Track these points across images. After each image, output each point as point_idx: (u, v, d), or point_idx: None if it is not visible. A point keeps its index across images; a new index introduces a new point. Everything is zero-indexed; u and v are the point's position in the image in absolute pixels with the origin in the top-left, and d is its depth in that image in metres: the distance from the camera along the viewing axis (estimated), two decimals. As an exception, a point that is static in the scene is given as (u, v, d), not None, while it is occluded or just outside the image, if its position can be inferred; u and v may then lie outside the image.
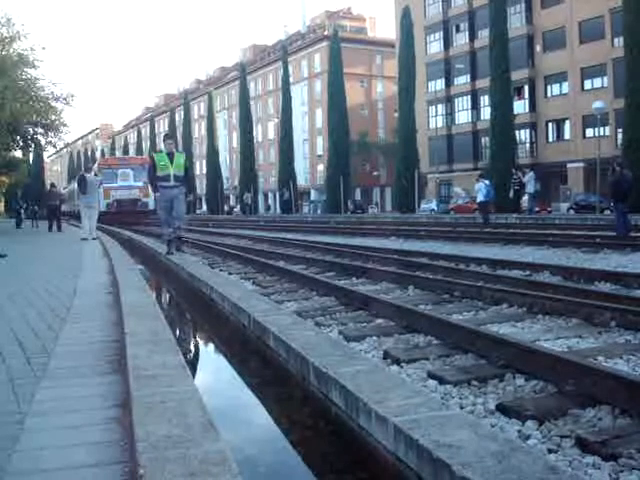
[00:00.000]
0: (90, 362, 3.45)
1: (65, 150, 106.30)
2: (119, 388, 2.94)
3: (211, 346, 5.85)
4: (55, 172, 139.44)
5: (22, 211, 33.21)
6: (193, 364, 4.79)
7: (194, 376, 2.99)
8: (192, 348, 5.63)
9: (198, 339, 6.31)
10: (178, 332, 6.15)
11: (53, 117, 30.63)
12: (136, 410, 2.44)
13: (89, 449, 2.22)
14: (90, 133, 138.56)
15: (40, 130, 31.84)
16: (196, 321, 7.19)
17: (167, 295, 9.55)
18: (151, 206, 33.33)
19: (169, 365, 3.13)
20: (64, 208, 33.91)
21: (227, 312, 5.96)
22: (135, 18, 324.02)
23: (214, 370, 4.79)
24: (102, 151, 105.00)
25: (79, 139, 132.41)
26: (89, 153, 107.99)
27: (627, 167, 15.52)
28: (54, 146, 35.10)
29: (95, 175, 18.83)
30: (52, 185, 28.21)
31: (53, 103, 30.56)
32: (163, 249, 13.32)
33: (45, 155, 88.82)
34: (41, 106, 29.67)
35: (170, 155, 10.74)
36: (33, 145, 36.44)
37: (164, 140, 11.44)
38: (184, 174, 10.86)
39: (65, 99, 30.68)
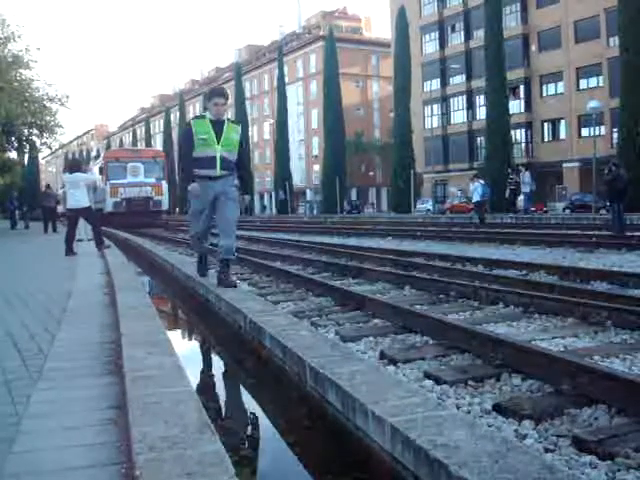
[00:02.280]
0: (86, 363, 3.44)
1: (60, 151, 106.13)
2: (115, 389, 2.93)
3: (207, 347, 5.84)
4: (50, 173, 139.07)
5: (16, 212, 33.10)
6: (189, 365, 4.77)
7: (190, 377, 2.98)
8: (188, 349, 5.62)
9: (194, 340, 6.30)
10: (174, 333, 6.14)
11: (48, 118, 30.64)
12: (132, 411, 2.44)
13: (85, 450, 2.22)
14: (85, 134, 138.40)
15: (35, 131, 31.84)
16: (192, 322, 7.17)
17: (163, 295, 9.53)
18: (165, 206, 31.33)
19: (165, 366, 3.12)
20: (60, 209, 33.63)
21: (223, 313, 5.95)
22: (130, 18, 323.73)
23: (210, 371, 4.78)
24: (97, 151, 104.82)
25: (74, 140, 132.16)
26: (84, 154, 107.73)
27: (622, 166, 15.56)
28: (49, 147, 35.05)
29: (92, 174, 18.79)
30: (47, 186, 28.16)
31: (48, 104, 30.60)
32: (157, 249, 13.31)
33: (40, 156, 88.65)
34: (36, 107, 29.69)
35: (218, 125, 6.26)
36: (28, 146, 36.42)
37: (210, 98, 6.34)
38: (238, 157, 6.46)
39: (60, 100, 30.72)
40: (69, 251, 11.66)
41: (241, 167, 6.59)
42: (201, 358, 5.27)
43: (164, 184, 31.43)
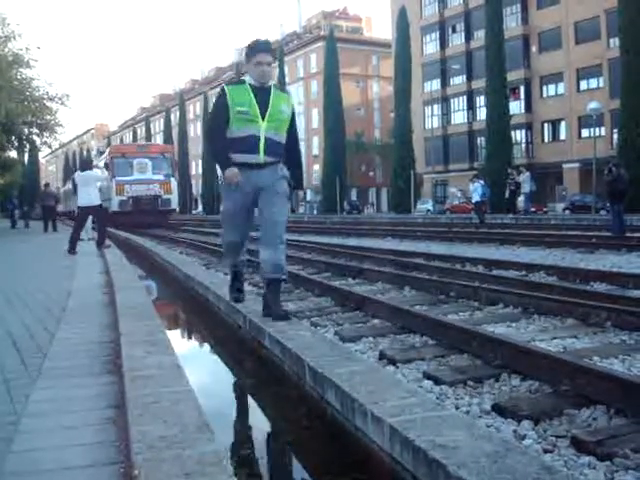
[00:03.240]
0: (85, 362, 3.43)
1: (60, 150, 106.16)
2: (114, 389, 2.93)
3: (206, 346, 5.84)
4: (51, 172, 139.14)
5: (16, 211, 33.09)
6: (188, 364, 4.77)
7: (189, 376, 2.98)
8: (187, 348, 5.62)
9: (194, 339, 6.30)
10: (174, 332, 6.14)
11: (48, 117, 30.64)
12: (131, 411, 2.44)
13: (84, 450, 2.22)
14: (85, 133, 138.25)
15: (35, 130, 31.84)
16: (191, 321, 7.18)
17: (163, 295, 9.52)
18: (174, 205, 30.25)
19: (164, 365, 3.12)
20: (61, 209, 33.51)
21: (222, 313, 5.95)
22: (130, 18, 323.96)
23: (209, 370, 4.78)
24: (98, 150, 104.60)
25: (74, 139, 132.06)
26: (84, 153, 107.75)
27: (623, 167, 15.55)
28: (49, 146, 35.03)
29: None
30: (46, 185, 28.14)
31: (48, 103, 30.59)
32: (158, 249, 13.28)
33: (40, 155, 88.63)
34: (36, 106, 29.69)
35: (262, 93, 4.57)
36: (28, 145, 36.41)
37: (252, 55, 4.67)
38: (288, 139, 4.72)
39: (60, 99, 30.72)
40: (72, 249, 11.65)
41: (292, 152, 4.84)
42: (200, 358, 5.27)
43: (173, 181, 30.17)
